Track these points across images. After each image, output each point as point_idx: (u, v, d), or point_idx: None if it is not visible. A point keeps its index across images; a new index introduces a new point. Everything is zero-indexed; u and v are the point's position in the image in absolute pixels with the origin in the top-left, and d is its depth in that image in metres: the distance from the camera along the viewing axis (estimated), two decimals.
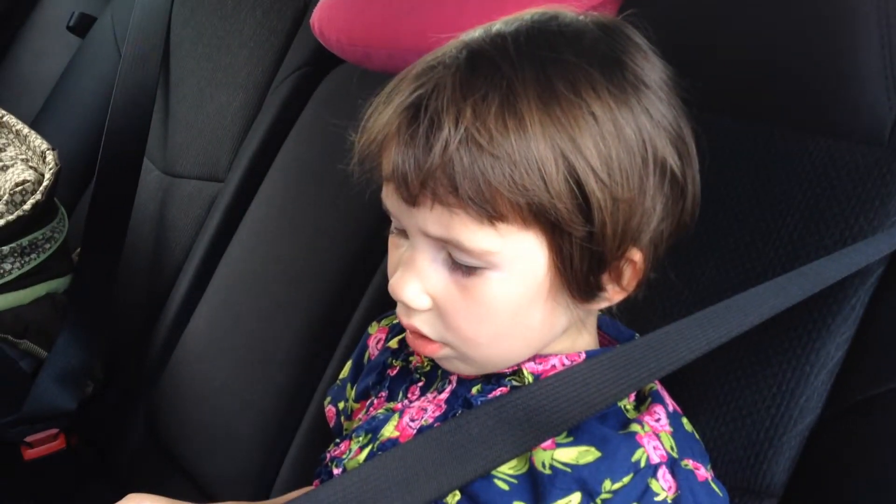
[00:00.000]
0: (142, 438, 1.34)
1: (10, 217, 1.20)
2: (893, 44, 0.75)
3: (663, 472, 0.61)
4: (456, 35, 0.64)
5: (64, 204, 1.34)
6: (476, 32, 0.63)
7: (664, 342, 0.64)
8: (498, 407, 0.61)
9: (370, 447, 0.70)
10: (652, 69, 0.63)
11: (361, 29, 1.09)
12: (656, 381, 0.67)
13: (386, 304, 0.85)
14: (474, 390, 0.68)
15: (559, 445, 0.62)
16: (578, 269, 0.61)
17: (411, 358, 0.76)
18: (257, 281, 1.25)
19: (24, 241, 1.23)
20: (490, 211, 0.58)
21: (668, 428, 0.64)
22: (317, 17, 1.16)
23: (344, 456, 0.73)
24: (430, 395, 0.71)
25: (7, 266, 1.21)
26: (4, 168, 1.29)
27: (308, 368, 1.12)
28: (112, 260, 1.36)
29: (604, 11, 0.67)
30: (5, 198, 1.22)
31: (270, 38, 1.41)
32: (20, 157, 1.32)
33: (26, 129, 1.36)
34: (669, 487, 0.61)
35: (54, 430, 1.27)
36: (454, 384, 0.70)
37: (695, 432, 0.68)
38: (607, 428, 0.63)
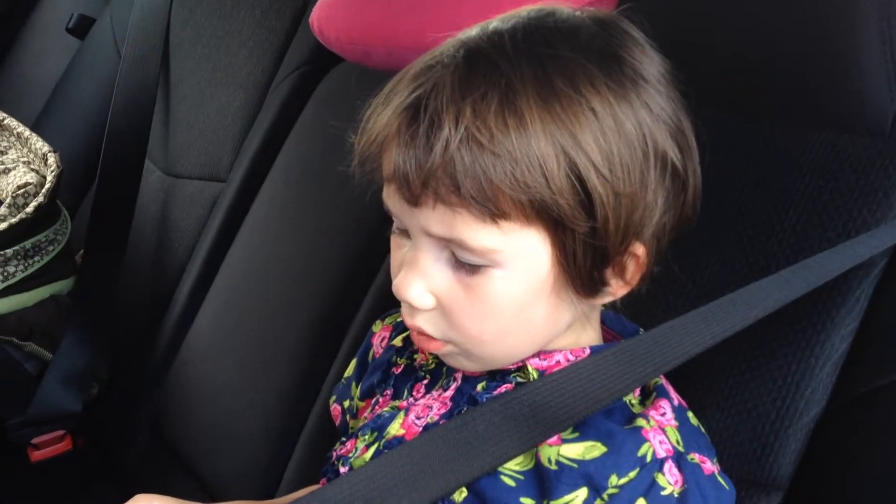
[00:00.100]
0: (147, 439, 1.34)
1: (13, 220, 1.20)
2: (894, 36, 0.75)
3: (669, 466, 0.61)
4: (454, 34, 0.64)
5: (66, 206, 1.35)
6: (473, 31, 0.63)
7: (669, 337, 0.64)
8: (503, 403, 0.61)
9: (376, 445, 0.70)
10: (650, 63, 0.63)
11: (361, 27, 1.09)
12: (661, 376, 0.67)
13: (389, 303, 0.85)
14: (479, 387, 0.68)
15: (565, 441, 0.62)
16: (582, 265, 0.62)
17: (416, 356, 0.76)
18: (259, 281, 1.25)
19: (28, 243, 1.23)
20: (492, 209, 0.58)
21: (674, 422, 0.64)
22: (316, 16, 1.16)
23: (350, 454, 0.73)
24: (435, 393, 0.71)
25: (11, 269, 1.21)
26: (6, 171, 1.29)
27: (312, 367, 1.12)
28: (115, 261, 1.36)
29: (601, 7, 0.67)
30: (7, 201, 1.22)
31: (270, 37, 1.41)
32: (21, 159, 1.32)
33: (27, 132, 1.36)
34: (676, 481, 0.61)
35: (61, 432, 1.27)
36: (459, 381, 0.70)
37: (700, 426, 0.68)
38: (613, 423, 0.63)
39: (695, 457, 0.63)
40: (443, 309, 0.64)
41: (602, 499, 0.60)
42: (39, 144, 1.32)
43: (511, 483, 0.62)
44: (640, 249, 0.63)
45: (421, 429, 0.69)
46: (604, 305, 0.70)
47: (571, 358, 0.67)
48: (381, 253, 1.08)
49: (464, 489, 0.63)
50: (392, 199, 0.63)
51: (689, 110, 0.64)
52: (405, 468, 0.59)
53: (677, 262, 0.69)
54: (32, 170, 1.29)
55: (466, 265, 0.62)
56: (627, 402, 0.66)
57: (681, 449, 0.63)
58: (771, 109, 0.82)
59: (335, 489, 0.59)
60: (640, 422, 0.63)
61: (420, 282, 0.63)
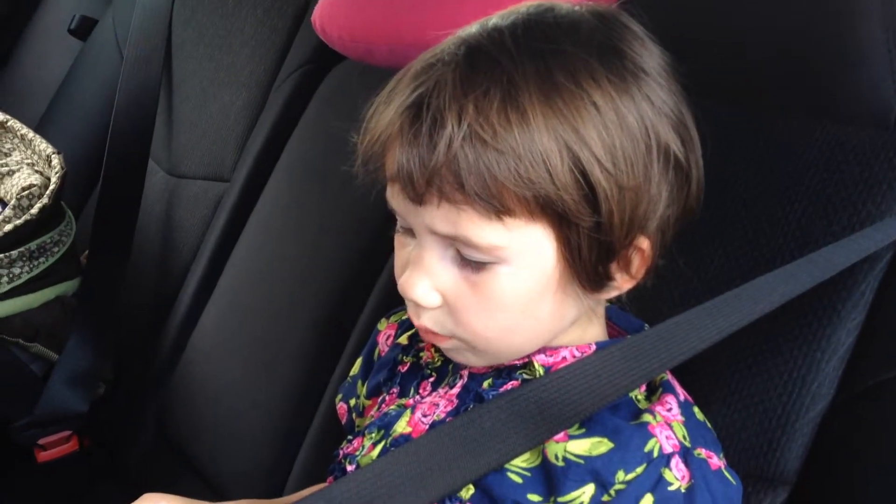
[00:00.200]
0: (152, 439, 1.34)
1: (18, 221, 1.20)
2: None
3: (676, 462, 0.61)
4: (455, 30, 0.64)
5: (71, 207, 1.35)
6: (473, 28, 0.63)
7: (675, 332, 0.64)
8: (510, 400, 0.61)
9: (383, 443, 0.70)
10: (650, 56, 0.63)
11: (363, 25, 1.09)
12: (667, 371, 0.67)
13: (394, 302, 0.85)
14: (486, 384, 0.68)
15: (572, 437, 0.62)
16: (587, 260, 0.61)
17: (422, 354, 0.76)
18: (264, 280, 1.25)
19: (33, 245, 1.23)
20: (497, 206, 0.58)
21: (680, 417, 0.64)
22: (318, 15, 1.16)
23: (357, 452, 0.73)
24: (441, 391, 0.71)
25: (16, 270, 1.21)
26: (11, 173, 1.30)
27: (317, 366, 1.12)
28: (120, 262, 1.36)
29: (600, 2, 0.66)
30: (12, 202, 1.23)
31: (272, 36, 1.41)
32: (26, 161, 1.32)
33: (31, 134, 1.36)
34: (683, 476, 0.61)
35: (67, 433, 1.28)
36: (465, 379, 0.70)
37: (706, 421, 0.68)
38: (619, 419, 0.63)
39: (701, 452, 0.63)
40: (449, 307, 0.64)
41: (609, 494, 0.60)
42: (43, 146, 1.32)
43: (518, 480, 0.62)
44: (644, 243, 0.63)
45: (427, 426, 0.69)
46: (609, 301, 0.70)
47: (577, 354, 0.67)
48: (385, 252, 1.08)
49: (471, 486, 0.63)
50: (396, 199, 0.63)
51: (691, 103, 0.64)
52: (412, 466, 0.59)
53: (682, 258, 0.69)
54: (37, 171, 1.29)
55: (472, 263, 0.62)
56: (633, 397, 0.66)
57: (687, 444, 0.63)
58: (774, 102, 0.82)
59: (342, 487, 0.59)
60: (647, 417, 0.63)
61: (425, 280, 0.63)
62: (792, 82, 0.81)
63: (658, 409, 0.64)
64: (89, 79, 1.69)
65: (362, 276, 1.11)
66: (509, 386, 0.67)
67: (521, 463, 0.63)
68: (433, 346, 0.75)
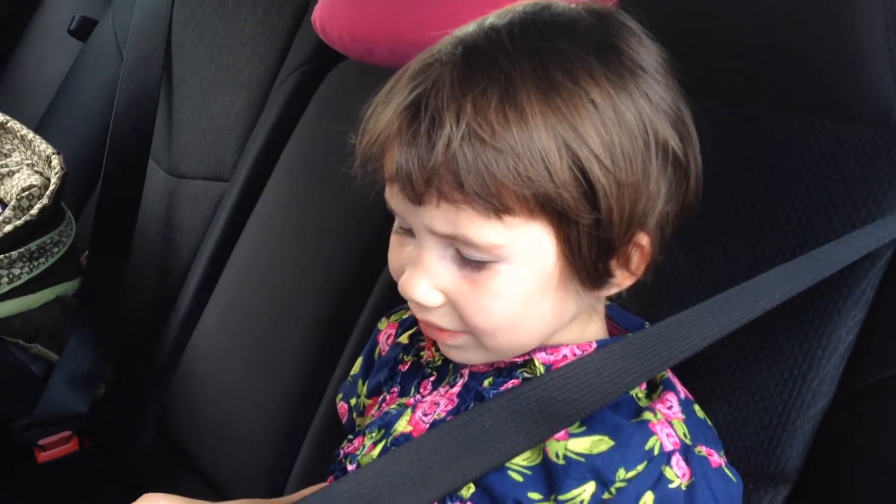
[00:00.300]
0: (153, 439, 1.34)
1: (18, 222, 1.20)
2: None
3: (677, 460, 0.61)
4: (451, 31, 0.64)
5: (71, 208, 1.35)
6: (470, 27, 0.63)
7: (676, 330, 0.64)
8: (510, 399, 0.61)
9: (384, 442, 0.70)
10: (647, 53, 0.63)
11: (363, 25, 1.09)
12: (667, 369, 0.67)
13: (394, 301, 0.85)
14: (486, 383, 0.68)
15: (572, 436, 0.62)
16: (587, 257, 0.62)
17: (423, 353, 0.76)
18: (264, 280, 1.25)
19: (33, 245, 1.23)
20: (496, 204, 0.58)
21: (681, 415, 0.64)
22: (318, 14, 1.16)
23: (357, 452, 0.73)
24: (442, 390, 0.71)
25: (16, 271, 1.21)
26: (10, 173, 1.30)
27: (317, 366, 1.12)
28: (120, 262, 1.36)
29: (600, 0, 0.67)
30: (12, 203, 1.23)
31: (272, 36, 1.41)
32: (26, 162, 1.32)
33: (31, 134, 1.36)
34: (683, 474, 0.61)
35: (67, 433, 1.28)
36: (466, 378, 0.70)
37: (707, 419, 0.68)
38: (620, 417, 0.63)
39: (702, 450, 0.63)
40: (452, 304, 0.64)
41: (610, 492, 0.60)
42: (43, 147, 1.32)
43: (519, 478, 0.62)
44: (644, 240, 0.63)
45: (428, 425, 0.69)
46: (609, 299, 0.70)
47: (578, 352, 0.67)
48: (385, 251, 1.07)
49: (471, 485, 0.63)
50: (395, 199, 0.63)
51: (690, 100, 0.65)
52: (413, 465, 0.59)
53: (683, 256, 0.69)
54: (36, 172, 1.29)
55: (472, 262, 0.62)
56: (634, 395, 0.65)
57: (688, 442, 0.63)
58: (774, 100, 0.82)
59: (343, 487, 0.59)
60: (647, 415, 0.63)
61: (425, 280, 0.63)
62: (792, 80, 0.81)
63: (659, 406, 0.64)
64: (89, 79, 1.69)
65: (363, 275, 1.11)
66: (510, 384, 0.67)
67: (522, 461, 0.63)
68: (434, 345, 0.75)
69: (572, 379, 0.61)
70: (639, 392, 0.66)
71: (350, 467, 0.73)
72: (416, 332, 0.78)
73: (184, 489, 0.74)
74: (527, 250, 0.61)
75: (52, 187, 1.24)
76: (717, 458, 0.64)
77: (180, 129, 1.49)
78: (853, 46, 0.76)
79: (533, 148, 0.57)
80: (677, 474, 0.60)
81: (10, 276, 1.21)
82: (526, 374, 0.67)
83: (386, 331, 0.82)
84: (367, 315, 1.08)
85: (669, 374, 0.68)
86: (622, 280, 0.65)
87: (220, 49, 1.47)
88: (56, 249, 1.26)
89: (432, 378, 0.73)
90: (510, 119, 0.57)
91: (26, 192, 1.23)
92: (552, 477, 0.61)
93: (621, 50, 0.61)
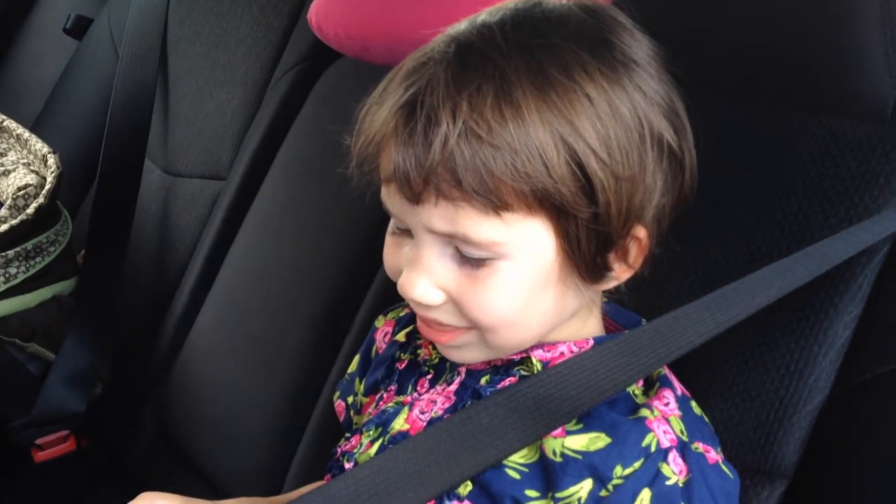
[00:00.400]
0: (151, 438, 1.34)
1: (14, 221, 1.20)
2: (894, 20, 0.75)
3: (674, 456, 0.61)
4: (443, 29, 0.64)
5: (67, 207, 1.34)
6: (461, 25, 0.63)
7: (672, 327, 0.64)
8: (507, 396, 0.61)
9: (381, 441, 0.70)
10: (639, 46, 0.63)
11: (359, 22, 1.09)
12: (664, 366, 0.67)
13: (391, 298, 0.85)
14: (483, 381, 0.68)
15: (569, 433, 0.62)
16: (586, 251, 0.62)
17: (419, 351, 0.76)
18: (261, 278, 1.25)
19: (29, 244, 1.23)
20: (495, 201, 0.58)
21: (678, 412, 0.64)
22: (314, 12, 1.15)
23: (355, 450, 0.73)
24: (439, 388, 0.71)
25: (13, 270, 1.21)
26: (6, 173, 1.29)
27: (314, 364, 1.12)
28: (116, 261, 1.36)
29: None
30: (8, 202, 1.22)
31: (268, 34, 1.41)
32: (21, 161, 1.32)
33: (27, 134, 1.36)
34: (680, 471, 0.61)
35: (64, 432, 1.28)
36: (463, 376, 0.70)
37: (704, 415, 0.68)
38: (617, 413, 0.63)
39: (699, 446, 0.63)
40: (454, 301, 0.64)
41: (607, 489, 0.60)
42: (39, 146, 1.32)
43: (516, 476, 0.62)
44: (641, 232, 0.64)
45: (425, 423, 0.69)
46: (607, 295, 0.70)
47: (575, 349, 0.67)
48: (382, 249, 1.07)
49: (469, 483, 0.63)
50: (392, 199, 0.63)
51: (682, 92, 0.65)
52: (410, 463, 0.59)
53: (679, 252, 0.69)
54: (32, 171, 1.29)
55: (472, 259, 0.62)
56: (631, 392, 0.66)
57: (685, 438, 0.63)
58: (770, 96, 0.82)
59: (340, 485, 0.59)
60: (644, 412, 0.63)
61: (425, 279, 0.63)
62: (789, 76, 0.81)
63: (655, 403, 0.64)
64: (85, 78, 1.68)
65: (359, 273, 1.11)
66: (507, 382, 0.67)
67: (519, 459, 0.63)
68: (431, 343, 0.75)
69: (569, 376, 0.61)
70: (635, 389, 0.66)
71: (347, 465, 0.73)
72: (413, 330, 0.78)
73: (182, 488, 0.74)
74: (526, 246, 0.61)
75: (48, 186, 1.24)
76: (713, 455, 0.64)
77: (176, 128, 1.49)
78: (851, 46, 0.76)
79: (530, 144, 0.57)
80: (674, 471, 0.60)
81: (7, 275, 1.21)
82: (523, 372, 0.67)
83: (383, 328, 0.82)
84: (364, 313, 1.08)
85: (666, 371, 0.68)
86: (620, 273, 0.65)
87: (215, 47, 1.47)
88: (52, 248, 1.26)
89: (429, 376, 0.73)
90: (506, 115, 0.57)
91: (22, 192, 1.23)
92: (549, 474, 0.61)
93: (613, 44, 0.62)
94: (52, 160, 1.28)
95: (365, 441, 0.72)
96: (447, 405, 0.69)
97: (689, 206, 0.67)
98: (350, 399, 0.82)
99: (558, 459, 0.61)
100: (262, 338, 1.20)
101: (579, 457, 0.61)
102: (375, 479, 0.58)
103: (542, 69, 0.59)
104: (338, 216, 1.16)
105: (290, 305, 1.17)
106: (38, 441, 1.26)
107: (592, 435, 0.61)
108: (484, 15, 0.63)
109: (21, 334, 1.25)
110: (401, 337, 0.79)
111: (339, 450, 0.76)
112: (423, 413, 0.70)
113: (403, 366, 0.76)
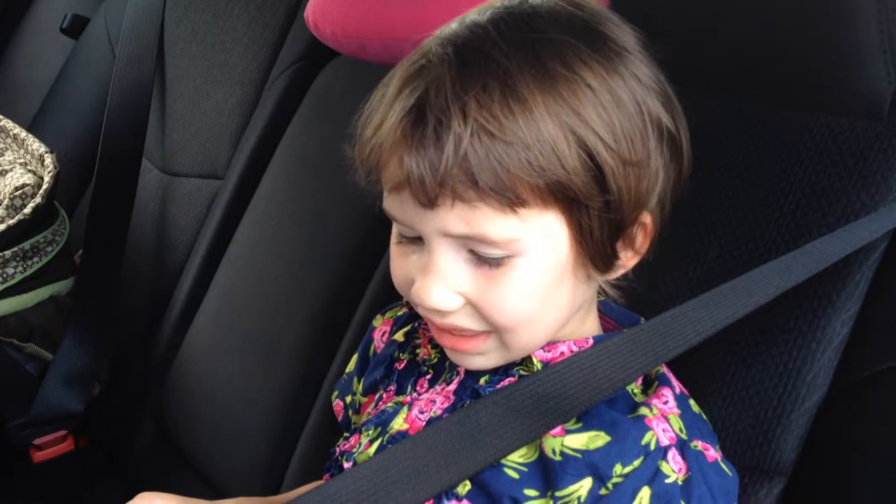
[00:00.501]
0: (150, 437, 1.34)
1: (11, 221, 1.20)
2: (891, 19, 0.75)
3: (673, 454, 0.61)
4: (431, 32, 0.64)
5: (64, 206, 1.34)
6: (451, 26, 0.63)
7: (671, 325, 0.64)
8: (507, 396, 0.61)
9: (380, 440, 0.70)
10: (627, 35, 0.64)
11: (356, 21, 1.08)
12: (662, 364, 0.67)
13: (390, 298, 0.85)
14: (482, 381, 0.68)
15: (569, 432, 0.62)
16: (599, 240, 0.62)
17: (419, 351, 0.76)
18: (259, 277, 1.25)
19: (26, 244, 1.22)
20: (511, 198, 0.59)
21: (676, 410, 0.64)
22: (311, 11, 1.15)
23: (354, 450, 0.73)
24: (438, 387, 0.71)
25: (10, 270, 1.21)
26: (3, 172, 1.29)
27: (312, 363, 1.12)
28: (114, 261, 1.36)
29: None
30: (5, 202, 1.22)
31: (264, 33, 1.41)
32: (18, 161, 1.32)
33: (24, 133, 1.35)
34: (679, 469, 0.61)
35: (63, 432, 1.27)
36: (462, 375, 0.70)
37: (702, 413, 0.68)
38: (616, 412, 0.63)
39: (698, 444, 0.63)
40: (472, 305, 0.63)
41: (607, 488, 0.60)
42: (36, 145, 1.32)
43: (515, 475, 0.62)
44: (647, 218, 0.64)
45: (424, 423, 0.69)
46: (606, 294, 0.70)
47: (575, 348, 0.67)
48: (380, 248, 1.08)
49: (468, 482, 0.63)
50: (402, 206, 0.62)
51: (684, 95, 0.65)
52: (409, 462, 0.59)
53: (677, 251, 0.69)
54: (29, 171, 1.28)
55: (488, 260, 0.61)
56: (630, 391, 0.66)
57: (684, 437, 0.63)
58: (768, 93, 0.82)
59: (339, 484, 0.59)
60: (643, 410, 0.63)
61: (440, 285, 0.62)
62: (787, 74, 0.81)
63: (654, 402, 0.64)
64: (82, 77, 1.68)
65: (358, 272, 1.11)
66: (506, 382, 0.67)
67: (518, 458, 0.63)
68: (430, 342, 0.75)
69: (568, 375, 0.61)
70: (634, 387, 0.66)
71: (346, 465, 0.73)
72: (412, 330, 0.78)
73: (180, 487, 0.74)
74: (541, 241, 0.61)
75: (45, 186, 1.24)
76: (713, 453, 0.64)
77: (173, 127, 1.49)
78: (849, 46, 0.76)
79: (541, 137, 0.58)
80: (673, 469, 0.61)
81: (4, 275, 1.20)
82: (522, 372, 0.67)
83: (381, 328, 0.82)
84: (363, 312, 1.08)
85: (665, 370, 0.68)
86: (626, 260, 0.66)
87: (212, 46, 1.47)
88: (50, 248, 1.26)
89: (428, 376, 0.73)
90: (515, 111, 0.58)
91: (19, 191, 1.23)
92: (549, 473, 0.61)
93: (605, 34, 0.62)
94: (49, 160, 1.28)
95: (364, 441, 0.72)
96: (446, 405, 0.69)
97: (685, 191, 0.68)
98: (348, 398, 0.82)
99: (558, 458, 0.61)
100: (261, 337, 1.19)
101: (579, 455, 0.61)
102: (375, 479, 0.58)
103: (542, 63, 0.59)
104: (335, 214, 1.16)
105: (289, 304, 1.17)
106: (37, 441, 1.26)
107: (592, 433, 0.61)
108: (473, 14, 0.63)
109: (19, 334, 1.24)
110: (399, 336, 0.79)
111: (337, 449, 0.76)
112: (422, 413, 0.70)
113: (402, 366, 0.76)
